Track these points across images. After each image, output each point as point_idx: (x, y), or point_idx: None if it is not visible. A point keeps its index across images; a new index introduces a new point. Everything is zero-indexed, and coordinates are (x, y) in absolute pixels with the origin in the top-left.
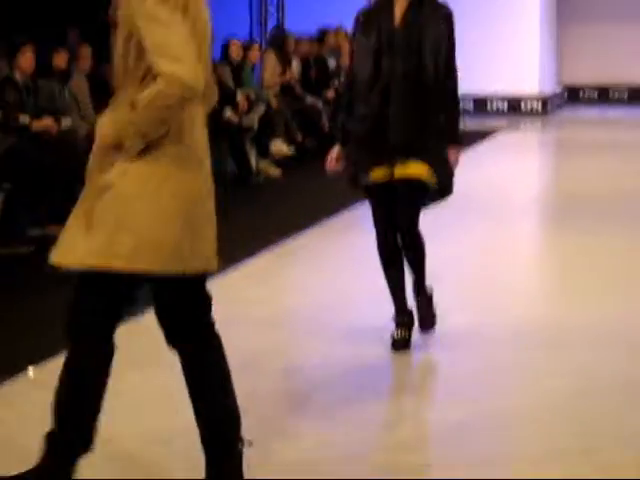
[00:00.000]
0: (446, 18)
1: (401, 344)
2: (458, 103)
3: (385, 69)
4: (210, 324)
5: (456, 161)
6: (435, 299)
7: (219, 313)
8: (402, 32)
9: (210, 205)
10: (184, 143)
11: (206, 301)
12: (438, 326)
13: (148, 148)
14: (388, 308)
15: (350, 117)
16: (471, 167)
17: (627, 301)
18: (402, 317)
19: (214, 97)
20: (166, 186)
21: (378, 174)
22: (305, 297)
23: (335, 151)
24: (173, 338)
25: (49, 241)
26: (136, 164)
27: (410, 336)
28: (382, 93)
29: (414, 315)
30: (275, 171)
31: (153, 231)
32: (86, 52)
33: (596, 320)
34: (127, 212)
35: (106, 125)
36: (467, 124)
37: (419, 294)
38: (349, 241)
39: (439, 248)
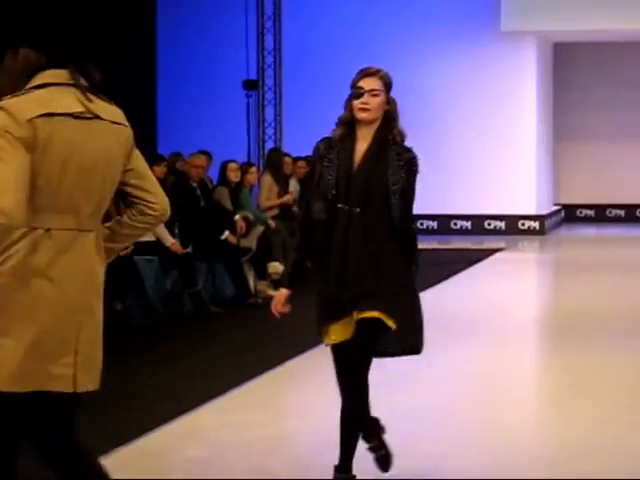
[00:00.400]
0: (409, 164)
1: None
2: (415, 257)
3: (341, 218)
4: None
5: None
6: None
7: (218, 438)
8: (360, 178)
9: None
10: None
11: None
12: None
13: None
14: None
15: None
16: (470, 287)
17: (628, 428)
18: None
19: (162, 211)
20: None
21: (337, 332)
22: (306, 420)
23: (282, 295)
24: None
25: None
26: None
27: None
28: (340, 249)
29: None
30: (273, 292)
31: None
32: None
33: (594, 449)
34: None
35: None
36: (465, 244)
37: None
38: None
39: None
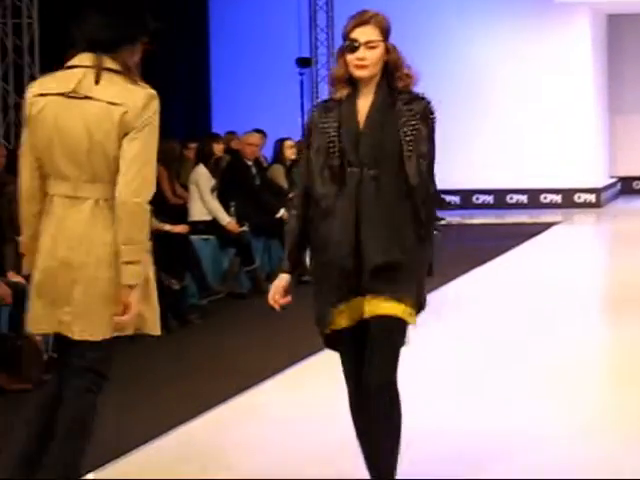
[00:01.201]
0: (422, 112)
1: None
2: (432, 223)
3: (350, 183)
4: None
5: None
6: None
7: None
8: (369, 135)
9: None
10: None
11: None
12: None
13: None
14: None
15: (308, 242)
16: (527, 262)
17: None
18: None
19: (120, 199)
20: None
21: (341, 319)
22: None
23: (281, 282)
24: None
25: None
26: None
27: None
28: (350, 215)
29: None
30: None
31: None
32: None
33: None
34: None
35: None
36: (521, 217)
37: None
38: None
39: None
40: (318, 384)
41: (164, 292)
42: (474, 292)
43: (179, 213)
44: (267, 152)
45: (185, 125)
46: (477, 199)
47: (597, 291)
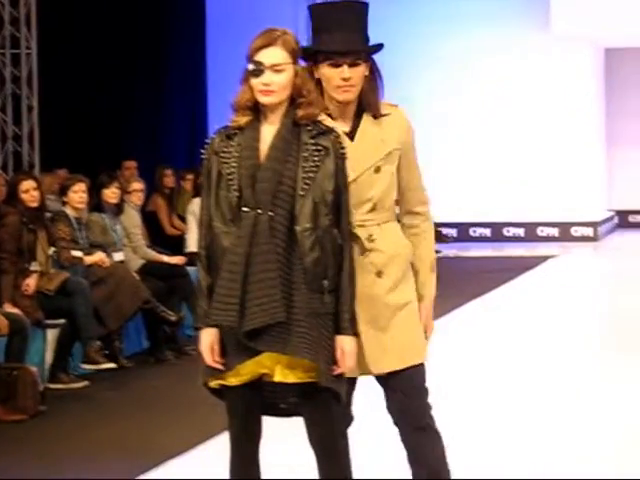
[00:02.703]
0: (332, 147)
1: None
2: (353, 275)
3: (245, 225)
4: None
5: (348, 356)
6: None
7: None
8: (269, 170)
9: None
10: None
11: None
12: None
13: None
14: None
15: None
16: (523, 295)
17: None
18: None
19: None
20: None
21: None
22: None
23: (209, 336)
24: None
25: (102, 376)
26: None
27: None
28: (241, 265)
29: None
30: None
31: None
32: (139, 186)
33: None
34: None
35: None
36: (518, 251)
37: None
38: None
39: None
40: None
41: (161, 323)
42: (470, 325)
43: (176, 244)
44: None
45: (183, 156)
46: (474, 232)
47: (593, 325)
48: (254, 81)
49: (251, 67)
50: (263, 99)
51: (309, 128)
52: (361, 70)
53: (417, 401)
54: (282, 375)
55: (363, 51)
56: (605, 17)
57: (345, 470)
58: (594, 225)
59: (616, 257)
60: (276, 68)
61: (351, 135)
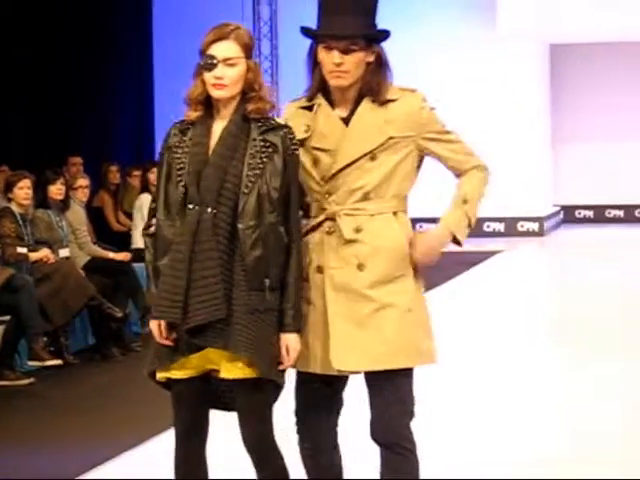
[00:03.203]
0: (282, 144)
1: None
2: (299, 272)
3: (189, 225)
4: None
5: (292, 352)
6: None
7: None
8: (214, 166)
9: None
10: None
11: None
12: None
13: None
14: None
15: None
16: (470, 289)
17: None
18: None
19: None
20: None
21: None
22: None
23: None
24: None
25: (48, 373)
26: None
27: None
28: (184, 262)
29: None
30: None
31: None
32: (84, 182)
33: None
34: None
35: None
36: (465, 246)
37: None
38: None
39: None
40: None
41: (106, 320)
42: None
43: (122, 240)
44: None
45: (130, 152)
46: (420, 227)
47: (537, 320)
48: (206, 75)
49: (203, 61)
50: (215, 93)
51: (259, 124)
52: (358, 56)
53: (390, 412)
54: (226, 370)
55: (357, 36)
56: (550, 14)
57: (281, 472)
58: (540, 220)
59: (561, 252)
60: (228, 62)
61: (347, 120)
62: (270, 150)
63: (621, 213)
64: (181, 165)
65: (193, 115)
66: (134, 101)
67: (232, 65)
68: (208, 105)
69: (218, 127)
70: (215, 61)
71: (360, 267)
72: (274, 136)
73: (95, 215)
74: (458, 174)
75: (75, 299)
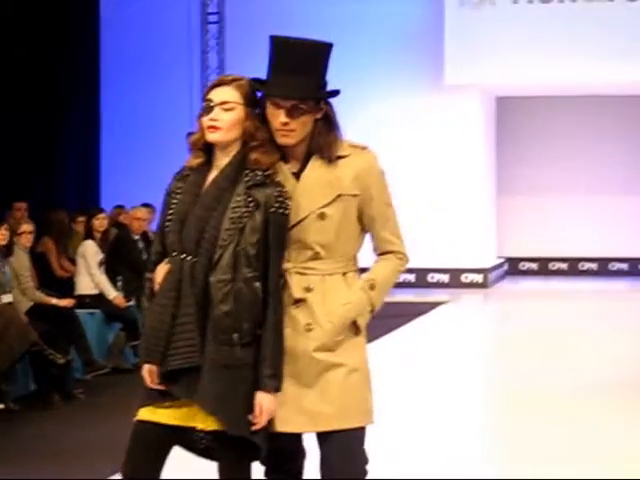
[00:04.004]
0: (266, 202)
1: None
2: (278, 330)
3: (174, 270)
4: None
5: (264, 412)
6: None
7: None
8: (197, 215)
9: None
10: None
11: None
12: None
13: None
14: None
15: None
16: (413, 341)
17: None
18: None
19: None
20: None
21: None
22: None
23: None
24: None
25: None
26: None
27: None
28: (167, 311)
29: None
30: None
31: None
32: (28, 227)
33: None
34: None
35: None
36: (408, 296)
37: None
38: None
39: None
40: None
41: (48, 366)
42: None
43: (66, 286)
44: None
45: (75, 198)
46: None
47: (478, 374)
48: (204, 118)
49: (203, 105)
50: (209, 136)
51: (247, 179)
52: (305, 117)
53: (340, 468)
54: (202, 421)
55: (305, 97)
56: (496, 67)
57: None
58: (484, 272)
59: (505, 304)
60: (224, 106)
61: (298, 175)
62: (252, 205)
63: (565, 266)
64: (172, 211)
65: (194, 162)
66: (80, 147)
67: (228, 110)
68: (209, 152)
69: (212, 176)
70: (212, 104)
71: (308, 328)
72: (260, 193)
73: (39, 260)
74: (377, 252)
75: (17, 345)
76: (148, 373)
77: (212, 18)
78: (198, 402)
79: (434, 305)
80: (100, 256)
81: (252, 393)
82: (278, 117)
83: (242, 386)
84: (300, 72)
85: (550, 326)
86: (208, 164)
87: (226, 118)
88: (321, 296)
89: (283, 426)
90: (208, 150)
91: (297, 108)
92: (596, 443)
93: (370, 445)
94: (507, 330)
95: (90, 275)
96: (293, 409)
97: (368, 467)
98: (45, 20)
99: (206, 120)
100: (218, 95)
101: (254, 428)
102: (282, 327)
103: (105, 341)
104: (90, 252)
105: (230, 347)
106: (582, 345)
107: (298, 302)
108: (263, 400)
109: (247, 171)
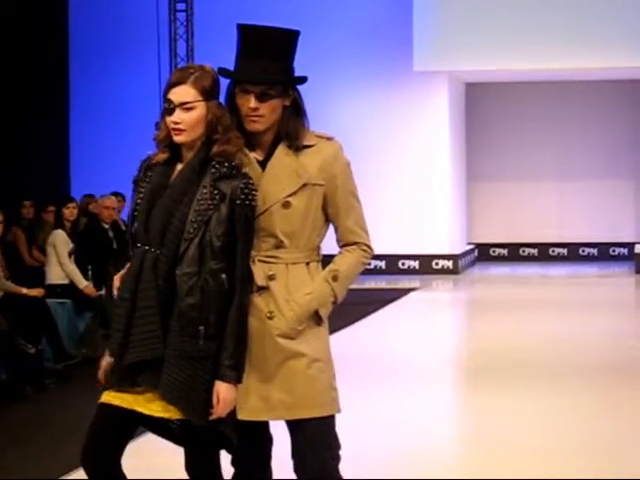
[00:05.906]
0: (232, 194)
1: None
2: (241, 322)
3: (134, 265)
4: None
5: (222, 402)
6: None
7: None
8: (161, 208)
9: None
10: None
11: None
12: None
13: None
14: None
15: None
16: (384, 327)
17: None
18: None
19: None
20: None
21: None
22: None
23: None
24: None
25: None
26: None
27: None
28: (128, 302)
29: None
30: None
31: None
32: None
33: None
34: None
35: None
36: (379, 283)
37: None
38: None
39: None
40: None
41: (19, 356)
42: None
43: (35, 276)
44: (125, 215)
45: (45, 187)
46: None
47: (450, 358)
48: (167, 119)
49: (164, 105)
50: (175, 138)
51: (213, 171)
52: (274, 102)
53: (309, 457)
54: (164, 409)
55: (273, 82)
56: (465, 53)
57: None
58: (454, 258)
59: (475, 290)
60: (185, 106)
61: (263, 164)
62: (218, 198)
63: (535, 251)
64: (138, 202)
65: (160, 157)
66: (49, 136)
67: (189, 109)
68: (175, 147)
69: (179, 168)
70: (172, 106)
71: (270, 316)
72: (225, 185)
73: (8, 250)
74: (341, 244)
75: None
76: (101, 367)
77: (180, 6)
78: (161, 392)
79: (405, 291)
80: (70, 246)
81: (212, 384)
82: (247, 102)
83: (205, 376)
84: (268, 58)
85: (521, 311)
86: (175, 158)
87: (188, 119)
88: (284, 285)
89: (243, 414)
90: (174, 145)
91: (266, 93)
92: (568, 426)
93: (341, 431)
94: (477, 316)
95: (60, 265)
96: (254, 397)
97: (341, 452)
98: (12, 5)
99: (169, 122)
100: (177, 96)
101: (211, 417)
102: (246, 319)
103: (76, 331)
104: (60, 242)
105: (196, 339)
106: (554, 329)
107: (261, 290)
108: (221, 389)
109: (214, 163)
